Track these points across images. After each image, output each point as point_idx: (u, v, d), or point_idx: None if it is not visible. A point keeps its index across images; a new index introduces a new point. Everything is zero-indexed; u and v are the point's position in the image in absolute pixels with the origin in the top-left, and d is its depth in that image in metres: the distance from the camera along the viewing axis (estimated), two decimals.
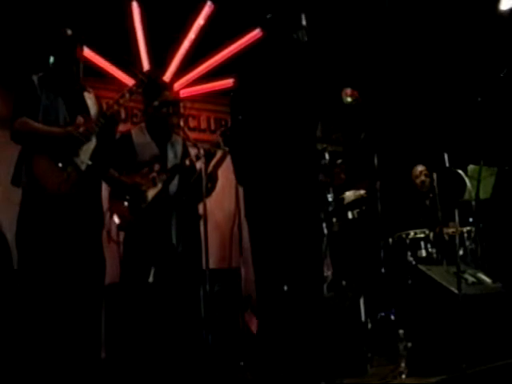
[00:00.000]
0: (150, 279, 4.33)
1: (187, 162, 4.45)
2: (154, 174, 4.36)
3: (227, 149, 4.24)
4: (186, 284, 4.34)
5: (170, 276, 4.31)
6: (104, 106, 4.00)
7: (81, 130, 3.73)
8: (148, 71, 4.16)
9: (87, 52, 5.77)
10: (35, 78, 3.79)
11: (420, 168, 6.29)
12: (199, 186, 4.12)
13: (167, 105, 4.44)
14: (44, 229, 3.63)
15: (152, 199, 4.32)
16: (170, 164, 4.45)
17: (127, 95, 3.89)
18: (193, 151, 4.57)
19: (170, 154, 4.49)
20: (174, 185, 4.43)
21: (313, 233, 3.46)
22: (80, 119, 3.77)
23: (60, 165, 3.67)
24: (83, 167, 3.72)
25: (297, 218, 3.38)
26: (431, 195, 5.90)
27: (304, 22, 3.48)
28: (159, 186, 4.36)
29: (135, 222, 4.29)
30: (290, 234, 3.38)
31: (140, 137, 4.47)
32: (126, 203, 4.29)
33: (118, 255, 4.37)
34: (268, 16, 3.56)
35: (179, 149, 4.58)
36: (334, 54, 6.72)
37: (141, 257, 4.28)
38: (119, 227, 4.31)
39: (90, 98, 3.93)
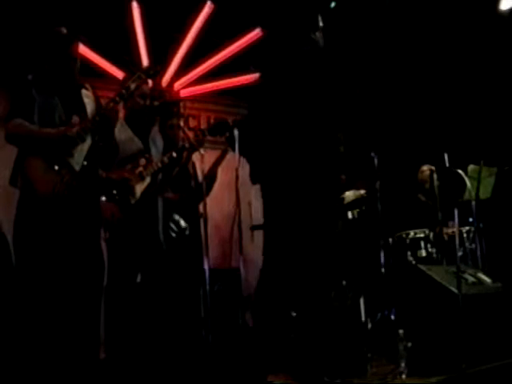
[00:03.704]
0: (138, 279, 4.27)
1: (166, 158, 4.40)
2: (141, 169, 4.30)
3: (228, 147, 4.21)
4: (177, 282, 4.29)
5: (158, 275, 4.24)
6: (103, 104, 3.96)
7: (75, 130, 3.67)
8: (146, 67, 4.12)
9: (88, 52, 5.79)
10: (31, 77, 3.75)
11: (425, 167, 6.28)
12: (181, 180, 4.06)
13: (144, 98, 4.41)
14: (39, 231, 3.59)
15: (141, 194, 4.26)
16: (153, 158, 4.38)
17: (124, 92, 3.86)
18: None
19: (153, 149, 4.45)
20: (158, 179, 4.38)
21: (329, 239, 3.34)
22: (75, 119, 3.71)
23: (54, 167, 3.62)
24: (77, 168, 3.68)
25: (318, 223, 3.27)
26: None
27: (321, 24, 3.45)
28: (147, 180, 4.30)
29: (123, 219, 4.20)
30: (309, 238, 3.27)
31: (122, 132, 4.37)
32: (114, 201, 4.18)
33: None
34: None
35: (160, 143, 4.54)
36: (334, 53, 6.73)
37: (128, 255, 4.20)
38: (105, 227, 4.16)
39: (87, 96, 3.87)
